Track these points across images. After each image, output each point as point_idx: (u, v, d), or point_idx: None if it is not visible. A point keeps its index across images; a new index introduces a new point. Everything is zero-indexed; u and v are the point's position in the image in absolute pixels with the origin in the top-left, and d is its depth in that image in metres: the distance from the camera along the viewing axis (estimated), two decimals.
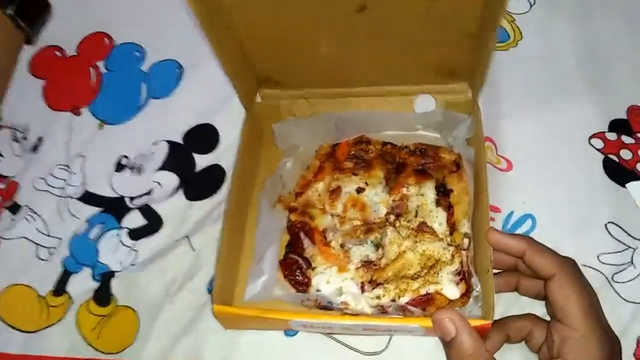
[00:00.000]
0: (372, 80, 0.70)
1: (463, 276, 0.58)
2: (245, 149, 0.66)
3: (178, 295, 0.64)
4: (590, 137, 0.70)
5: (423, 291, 0.57)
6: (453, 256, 0.59)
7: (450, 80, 0.70)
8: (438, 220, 0.62)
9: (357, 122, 0.67)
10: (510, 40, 0.78)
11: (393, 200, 0.64)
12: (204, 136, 0.74)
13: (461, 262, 0.61)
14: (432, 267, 0.59)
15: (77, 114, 0.78)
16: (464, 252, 0.62)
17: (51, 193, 0.72)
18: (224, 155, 0.73)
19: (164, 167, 0.72)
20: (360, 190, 0.65)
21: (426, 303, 0.59)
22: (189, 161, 0.74)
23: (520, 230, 0.65)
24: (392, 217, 0.63)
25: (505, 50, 0.78)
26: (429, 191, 0.64)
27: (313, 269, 0.60)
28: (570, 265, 0.49)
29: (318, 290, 0.62)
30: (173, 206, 0.70)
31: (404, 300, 0.57)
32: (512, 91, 0.77)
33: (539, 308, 0.56)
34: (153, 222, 0.70)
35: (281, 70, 0.66)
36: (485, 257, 0.54)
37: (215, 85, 0.73)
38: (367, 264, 0.60)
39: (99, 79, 0.86)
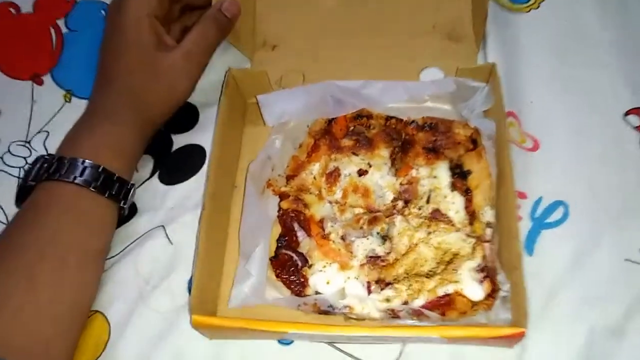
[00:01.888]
0: (374, 47, 0.63)
1: (487, 273, 0.52)
2: (225, 124, 0.58)
3: (153, 296, 0.55)
4: (626, 113, 0.60)
5: (440, 292, 0.50)
6: (474, 249, 0.51)
7: (458, 44, 0.62)
8: (454, 207, 0.54)
9: (356, 92, 0.58)
10: (531, 2, 0.68)
11: (401, 184, 0.56)
12: (181, 113, 0.65)
13: (484, 257, 0.52)
14: (449, 262, 0.51)
15: (39, 82, 0.69)
16: (486, 245, 0.53)
17: (9, 174, 0.63)
18: (205, 133, 0.65)
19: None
20: (362, 173, 0.56)
21: (445, 306, 0.50)
22: (165, 141, 0.67)
23: (551, 219, 0.56)
24: (400, 204, 0.55)
25: (525, 12, 0.67)
26: (443, 173, 0.56)
27: (310, 266, 0.52)
28: None
29: (317, 293, 0.53)
30: (147, 191, 0.61)
31: (418, 302, 0.49)
32: (534, 59, 0.66)
33: None
34: (128, 210, 0.61)
35: (281, 31, 0.62)
36: (514, 251, 0.47)
37: None
38: (373, 259, 0.52)
39: (61, 40, 0.74)
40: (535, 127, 0.63)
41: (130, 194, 0.56)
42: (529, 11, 0.67)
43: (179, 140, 0.67)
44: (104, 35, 0.62)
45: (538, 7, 0.70)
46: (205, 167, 0.64)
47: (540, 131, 0.63)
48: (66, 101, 0.70)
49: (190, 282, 0.58)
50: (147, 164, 0.66)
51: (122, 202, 0.55)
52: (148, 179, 0.65)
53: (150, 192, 0.64)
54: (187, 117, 0.69)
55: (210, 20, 0.60)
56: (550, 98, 0.65)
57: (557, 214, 0.56)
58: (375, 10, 0.67)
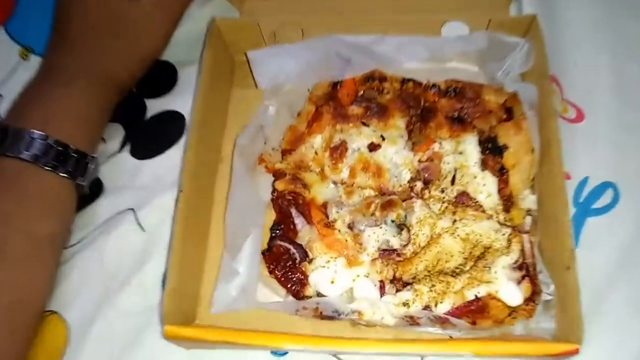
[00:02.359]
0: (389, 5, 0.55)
1: (526, 271, 0.44)
2: (208, 86, 0.50)
3: (122, 293, 0.50)
4: None
5: (470, 294, 0.44)
6: (510, 242, 0.45)
7: None
8: (486, 189, 0.47)
9: (366, 49, 0.53)
10: None
11: (419, 161, 0.50)
12: (157, 73, 0.58)
13: (522, 251, 0.45)
14: (480, 257, 0.45)
15: None
16: (525, 237, 0.45)
17: None
18: (184, 97, 0.58)
19: (112, 118, 0.56)
20: (373, 147, 0.50)
21: (476, 313, 0.43)
22: (138, 106, 0.59)
23: (598, 204, 0.50)
24: (419, 185, 0.49)
25: None
26: (471, 147, 0.49)
27: (310, 261, 0.46)
28: None
29: (319, 294, 0.45)
30: (116, 167, 0.56)
31: (443, 308, 0.43)
32: (576, 12, 0.58)
33: None
34: (90, 188, 0.53)
35: None
36: (565, 246, 0.41)
37: None
38: (387, 253, 0.46)
39: None
40: (579, 94, 0.55)
41: (90, 169, 0.48)
42: None
43: (154, 106, 0.59)
44: None
45: None
46: (184, 138, 0.56)
47: (585, 99, 0.55)
48: (23, 59, 0.63)
49: (165, 277, 0.49)
50: (116, 135, 0.58)
51: (80, 180, 0.47)
52: (117, 152, 0.57)
53: (120, 168, 0.56)
54: (163, 78, 0.60)
55: None
56: (597, 59, 0.57)
57: (605, 198, 0.51)
58: None
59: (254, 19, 0.55)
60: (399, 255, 0.46)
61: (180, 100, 0.58)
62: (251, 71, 0.53)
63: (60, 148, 0.45)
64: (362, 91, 0.53)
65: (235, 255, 0.45)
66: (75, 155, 0.46)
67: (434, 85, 0.53)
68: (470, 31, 0.55)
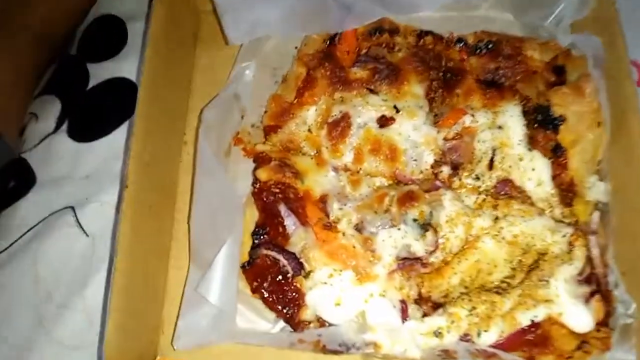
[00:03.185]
0: None
1: (596, 285, 0.35)
2: (161, 46, 0.41)
3: (60, 320, 0.41)
4: None
5: (524, 319, 0.35)
6: (572, 246, 0.36)
7: None
8: (535, 175, 0.39)
9: None
10: None
11: (445, 139, 0.41)
12: (102, 35, 0.51)
13: (589, 258, 0.36)
14: (533, 267, 0.36)
15: None
16: (592, 239, 0.38)
17: None
18: (136, 60, 0.49)
19: (44, 90, 0.50)
20: (385, 122, 0.42)
21: (534, 345, 0.34)
22: (79, 73, 0.50)
23: None
24: (445, 171, 0.41)
25: None
26: (513, 120, 0.41)
27: (307, 274, 0.38)
28: None
29: (319, 321, 0.36)
30: (51, 152, 0.48)
31: (488, 338, 0.34)
32: None
33: None
34: (20, 180, 0.47)
35: None
36: None
37: None
38: (408, 263, 0.38)
39: None
40: None
41: None
42: None
43: (99, 72, 0.50)
44: None
45: None
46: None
47: None
48: None
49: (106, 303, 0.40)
50: (51, 110, 0.50)
51: None
52: (53, 132, 0.49)
53: (55, 153, 0.48)
54: (109, 36, 0.51)
55: None
56: None
57: None
58: None
59: None
60: (424, 265, 0.37)
61: (131, 64, 0.49)
62: (220, 23, 0.44)
63: None
64: (366, 48, 0.45)
65: (205, 271, 0.35)
66: None
67: (459, 40, 0.45)
68: None
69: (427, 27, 0.46)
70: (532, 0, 0.45)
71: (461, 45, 0.45)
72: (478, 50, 0.44)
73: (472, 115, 0.41)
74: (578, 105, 0.39)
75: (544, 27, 0.44)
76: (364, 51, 0.45)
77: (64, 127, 0.48)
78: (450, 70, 0.44)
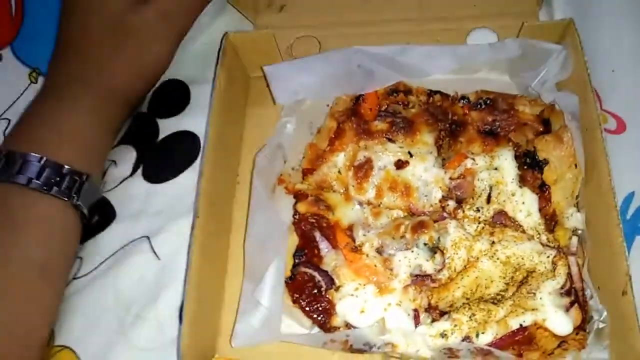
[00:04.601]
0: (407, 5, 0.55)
1: (575, 297, 0.43)
2: (222, 104, 0.50)
3: (136, 327, 0.49)
4: None
5: (514, 323, 0.42)
6: (555, 265, 0.44)
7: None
8: (525, 207, 0.47)
9: (390, 61, 0.52)
10: None
11: (451, 179, 0.49)
12: (168, 91, 0.58)
13: (569, 275, 0.43)
14: (523, 282, 0.44)
15: None
16: (572, 259, 0.43)
17: None
18: (197, 117, 0.57)
19: (121, 141, 0.56)
20: (401, 165, 0.50)
21: (522, 344, 0.41)
22: (150, 127, 0.58)
23: None
24: (451, 205, 0.48)
25: None
26: (507, 163, 0.48)
27: (337, 288, 0.45)
28: None
29: (347, 325, 0.44)
30: (129, 192, 0.55)
31: (485, 339, 0.42)
32: (613, 17, 0.57)
33: None
34: (103, 215, 0.54)
35: None
36: (619, 269, 0.40)
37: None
38: (420, 279, 0.45)
39: (20, 6, 0.65)
40: (619, 104, 0.54)
41: (86, 189, 0.46)
42: None
43: (167, 126, 0.58)
44: None
45: None
46: (199, 160, 0.55)
47: (627, 108, 0.54)
48: (32, 81, 0.63)
49: (182, 309, 0.47)
50: (128, 157, 0.57)
51: (74, 200, 0.46)
52: (129, 175, 0.57)
53: (132, 193, 0.55)
54: (175, 97, 0.60)
55: None
56: (637, 66, 0.55)
57: None
58: None
59: (269, 32, 0.54)
60: (433, 281, 0.45)
61: (194, 119, 0.57)
62: (269, 87, 0.53)
63: (53, 169, 0.44)
64: (386, 105, 0.53)
65: (257, 284, 0.43)
66: (68, 175, 0.45)
67: (463, 98, 0.53)
68: (498, 39, 0.54)
69: (436, 88, 0.53)
70: (522, 64, 0.52)
71: (464, 102, 0.52)
72: (478, 106, 0.52)
73: (473, 159, 0.48)
74: (559, 151, 0.46)
75: (533, 87, 0.52)
76: (383, 108, 0.53)
77: (139, 171, 0.56)
78: (455, 123, 0.52)
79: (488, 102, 0.52)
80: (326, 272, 0.45)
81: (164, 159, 0.57)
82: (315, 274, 0.45)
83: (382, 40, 0.53)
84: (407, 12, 0.56)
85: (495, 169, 0.48)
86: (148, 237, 0.52)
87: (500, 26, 0.54)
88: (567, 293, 0.42)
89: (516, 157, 0.48)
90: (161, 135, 0.58)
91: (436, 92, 0.53)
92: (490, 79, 0.55)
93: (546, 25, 0.53)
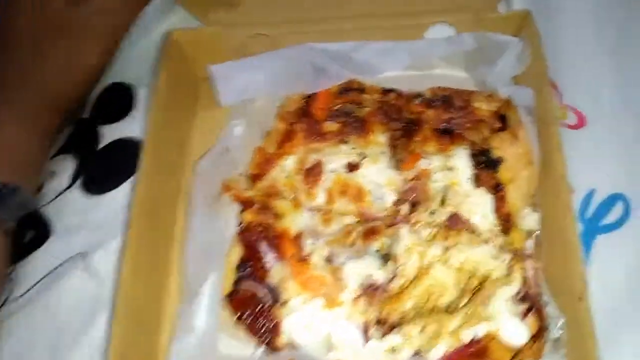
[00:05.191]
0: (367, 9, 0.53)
1: (531, 304, 0.41)
2: (163, 107, 0.48)
3: (71, 353, 0.46)
4: None
5: (467, 335, 0.40)
6: (510, 270, 0.43)
7: None
8: (480, 209, 0.45)
9: (343, 57, 0.51)
10: None
11: (405, 180, 0.48)
12: (112, 100, 0.57)
13: (525, 280, 0.42)
14: (477, 290, 0.42)
15: None
16: (528, 263, 0.43)
17: None
18: (142, 122, 0.55)
19: (60, 150, 0.55)
20: (352, 167, 0.49)
21: (475, 357, 0.40)
22: (90, 134, 0.57)
23: (610, 218, 0.48)
24: (405, 208, 0.47)
25: None
26: (462, 162, 0.47)
27: (283, 304, 0.43)
28: None
29: (292, 344, 0.42)
30: (66, 205, 0.53)
31: (436, 353, 0.40)
32: (574, 15, 0.57)
33: None
34: (38, 232, 0.52)
35: None
36: (575, 273, 0.38)
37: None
38: (371, 290, 0.43)
39: None
40: (579, 98, 0.53)
41: (10, 201, 0.43)
42: None
43: (109, 133, 0.56)
44: None
45: None
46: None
47: (587, 102, 0.53)
48: None
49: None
50: (67, 168, 0.55)
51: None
52: (68, 187, 0.54)
53: (70, 206, 0.53)
54: (118, 101, 0.58)
55: None
56: (598, 59, 0.55)
57: (615, 213, 0.48)
58: None
59: (217, 29, 0.53)
60: (384, 291, 0.43)
61: (138, 125, 0.55)
62: (214, 88, 0.51)
63: None
64: (338, 105, 0.51)
65: (192, 301, 0.41)
66: None
67: (418, 95, 0.51)
68: (456, 33, 0.53)
69: (390, 85, 0.52)
70: (479, 58, 0.51)
71: (419, 99, 0.51)
72: (434, 103, 0.50)
73: (428, 160, 0.47)
74: (513, 148, 0.45)
75: (489, 82, 0.50)
76: (335, 108, 0.51)
77: (78, 182, 0.54)
78: (410, 121, 0.50)
79: (444, 98, 0.50)
80: (271, 286, 0.43)
81: (105, 169, 0.55)
82: (259, 288, 0.43)
83: (339, 38, 0.52)
84: (363, 9, 0.54)
85: (450, 169, 0.46)
86: (85, 255, 0.50)
87: (458, 20, 0.53)
88: (523, 299, 0.41)
89: (472, 156, 0.47)
90: (102, 143, 0.56)
91: (390, 89, 0.52)
92: (447, 75, 0.53)
93: (502, 17, 0.52)
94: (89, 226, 0.51)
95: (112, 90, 0.58)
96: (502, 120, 0.48)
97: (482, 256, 0.43)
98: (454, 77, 0.53)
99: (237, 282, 0.44)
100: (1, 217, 0.43)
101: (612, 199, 0.48)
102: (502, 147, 0.46)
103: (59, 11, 0.47)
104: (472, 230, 0.44)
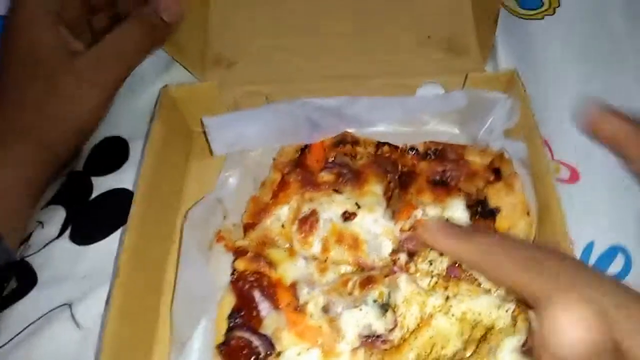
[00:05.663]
0: (356, 63, 0.57)
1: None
2: (156, 158, 0.48)
3: None
4: None
5: None
6: (515, 320, 0.41)
7: (461, 56, 0.56)
8: None
9: (337, 112, 0.52)
10: (544, 7, 0.65)
11: (401, 230, 0.47)
12: (107, 153, 0.58)
13: (530, 329, 0.40)
14: (482, 339, 0.41)
15: None
16: (532, 313, 0.39)
17: None
18: (134, 174, 0.55)
19: (51, 201, 0.54)
20: (348, 217, 0.48)
21: None
22: (83, 186, 0.56)
23: (612, 270, 0.48)
24: (402, 258, 0.46)
25: (538, 18, 0.64)
26: (459, 212, 0.47)
27: (278, 354, 0.41)
28: None
29: None
30: (54, 255, 0.52)
31: None
32: (558, 72, 0.60)
33: None
34: (22, 281, 0.51)
35: (241, 44, 0.57)
36: None
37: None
38: (370, 340, 0.42)
39: None
40: (571, 153, 0.55)
41: None
42: (542, 18, 0.65)
43: (101, 184, 0.56)
44: None
45: (554, 12, 0.65)
46: None
47: (579, 157, 0.54)
48: None
49: None
50: (56, 218, 0.54)
51: None
52: (56, 237, 0.53)
53: (57, 256, 0.52)
54: (113, 154, 0.58)
55: (135, 22, 0.50)
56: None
57: (616, 265, 0.48)
58: (355, 18, 0.60)
59: (212, 84, 0.54)
60: (384, 342, 0.41)
61: (130, 176, 0.55)
62: (208, 139, 0.51)
63: None
64: (333, 156, 0.52)
65: (182, 351, 0.39)
66: None
67: (411, 149, 0.52)
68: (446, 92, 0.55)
69: (383, 139, 0.52)
70: (470, 115, 0.52)
71: (413, 152, 0.51)
72: (427, 157, 0.51)
73: (423, 210, 0.46)
74: (510, 198, 0.45)
75: (481, 136, 0.51)
76: (330, 159, 0.51)
77: (67, 232, 0.52)
78: (404, 174, 0.50)
79: (437, 152, 0.51)
80: (265, 336, 0.41)
81: (95, 219, 0.53)
82: (253, 338, 0.41)
83: (332, 92, 0.53)
84: (355, 69, 0.56)
85: (447, 219, 0.46)
86: (70, 305, 0.48)
87: (447, 81, 0.55)
88: (530, 351, 0.39)
89: (468, 207, 0.47)
90: (94, 194, 0.55)
91: (384, 143, 0.52)
92: (439, 131, 0.55)
93: (490, 76, 0.54)
94: (76, 276, 0.50)
95: (107, 143, 0.58)
96: (496, 174, 0.49)
97: (484, 306, 0.41)
98: (446, 132, 0.54)
99: (228, 331, 0.42)
100: None
101: (612, 251, 0.48)
102: (498, 197, 0.46)
103: (53, 61, 0.47)
104: (472, 280, 0.43)
